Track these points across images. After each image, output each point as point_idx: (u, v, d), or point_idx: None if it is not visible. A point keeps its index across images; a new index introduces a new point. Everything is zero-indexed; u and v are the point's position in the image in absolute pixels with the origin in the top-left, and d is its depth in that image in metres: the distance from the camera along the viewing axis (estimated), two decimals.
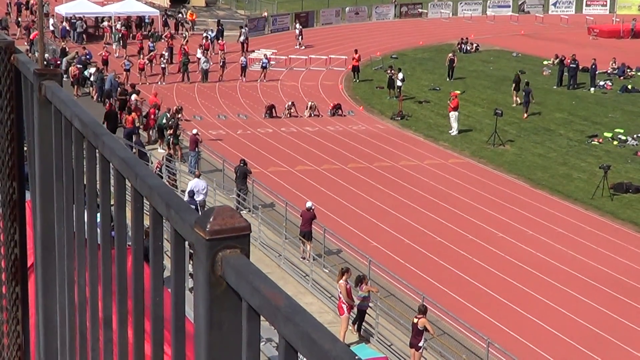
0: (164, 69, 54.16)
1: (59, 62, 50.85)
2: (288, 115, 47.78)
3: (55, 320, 3.29)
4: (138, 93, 45.20)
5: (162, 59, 54.59)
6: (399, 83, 52.48)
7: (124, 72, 51.61)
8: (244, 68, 56.00)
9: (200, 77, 55.00)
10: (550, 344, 24.18)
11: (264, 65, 56.74)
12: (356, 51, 58.55)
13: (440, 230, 32.05)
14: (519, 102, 51.22)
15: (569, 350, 23.98)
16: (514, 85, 52.50)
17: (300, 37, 68.92)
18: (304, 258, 28.79)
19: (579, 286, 27.98)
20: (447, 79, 56.47)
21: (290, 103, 48.68)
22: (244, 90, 53.74)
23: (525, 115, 49.66)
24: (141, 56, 55.22)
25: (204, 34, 62.86)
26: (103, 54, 54.62)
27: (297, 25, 70.78)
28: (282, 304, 1.66)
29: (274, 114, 47.76)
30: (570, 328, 25.17)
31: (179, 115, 40.88)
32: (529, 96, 49.71)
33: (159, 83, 53.07)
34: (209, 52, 58.97)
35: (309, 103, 49.10)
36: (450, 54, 58.47)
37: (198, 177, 32.21)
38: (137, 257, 2.38)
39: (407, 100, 51.89)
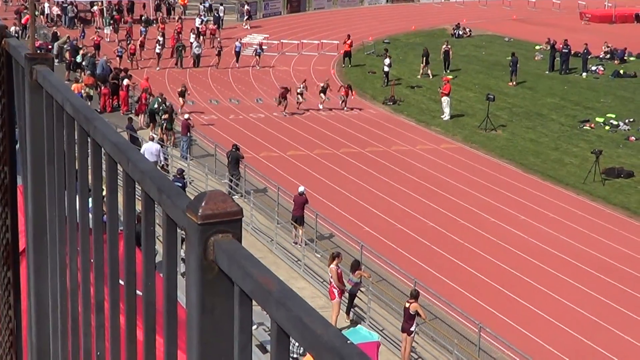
0: (159, 54, 53.86)
1: (50, 47, 50.72)
2: (299, 100, 45.85)
3: (47, 305, 3.29)
4: (130, 77, 45.17)
5: (157, 44, 54.22)
6: (386, 68, 52.43)
7: (117, 58, 51.44)
8: (237, 53, 55.61)
9: (193, 62, 54.84)
10: (542, 329, 24.25)
11: (257, 53, 56.27)
12: (349, 36, 58.49)
13: (432, 215, 32.09)
14: (429, 73, 54.24)
15: (561, 335, 24.05)
16: (423, 58, 55.14)
17: (248, 18, 69.47)
18: (296, 243, 28.82)
19: (570, 271, 28.04)
20: (445, 71, 55.10)
21: (302, 86, 46.29)
22: (236, 75, 53.67)
23: (511, 83, 53.14)
24: (130, 41, 54.97)
25: (197, 19, 62.77)
26: (95, 38, 54.50)
27: (246, 7, 70.75)
28: (274, 289, 1.66)
29: (287, 99, 45.19)
30: (561, 313, 25.24)
31: (185, 97, 41.90)
32: (516, 65, 53.12)
33: (156, 69, 52.89)
34: (201, 37, 58.88)
35: (322, 84, 47.46)
36: (444, 46, 57.24)
37: (151, 140, 33.93)
38: (129, 242, 2.37)
39: (399, 85, 51.89)
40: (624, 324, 24.85)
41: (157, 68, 53.16)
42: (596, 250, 29.77)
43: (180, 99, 42.88)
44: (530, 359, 21.55)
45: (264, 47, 59.40)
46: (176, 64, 54.38)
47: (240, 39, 58.57)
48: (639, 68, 58.07)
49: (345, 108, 46.93)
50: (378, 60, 57.24)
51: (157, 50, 53.73)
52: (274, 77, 53.96)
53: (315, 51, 61.53)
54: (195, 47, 55.22)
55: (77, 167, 2.93)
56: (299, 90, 45.80)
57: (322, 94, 46.64)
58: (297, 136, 41.46)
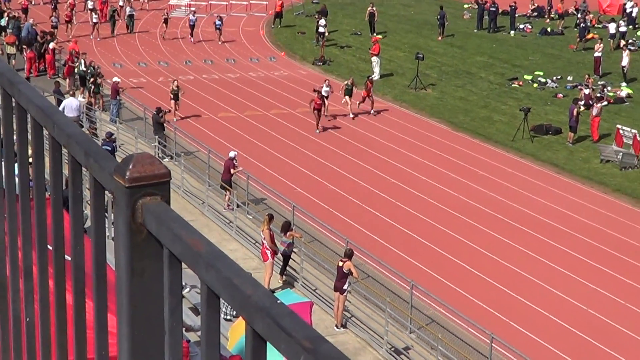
0: (95, 24, 52.51)
1: None
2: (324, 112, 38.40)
3: None
4: (55, 40, 44.53)
5: (92, 13, 52.92)
6: (321, 29, 52.29)
7: (52, 30, 49.99)
8: (192, 27, 53.60)
9: (126, 26, 53.88)
10: (472, 284, 24.53)
11: (217, 26, 54.25)
12: None
13: (362, 175, 32.21)
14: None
15: (490, 289, 24.36)
16: (317, 15, 55.45)
17: None
18: (227, 207, 28.66)
19: (499, 227, 28.38)
20: (370, 34, 53.63)
21: (325, 85, 38.85)
22: (165, 38, 53.11)
23: (440, 37, 54.53)
24: (56, 3, 53.92)
25: None
26: (22, 2, 53.48)
27: None
28: (203, 250, 1.66)
29: (323, 108, 37.64)
30: (490, 268, 25.55)
31: (179, 99, 37.61)
32: (444, 19, 54.52)
33: (98, 39, 51.54)
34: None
35: (346, 83, 40.19)
36: (369, 7, 56.34)
37: (72, 95, 34.62)
38: (56, 207, 2.35)
39: (329, 45, 51.84)
40: (551, 277, 25.23)
41: (98, 38, 51.77)
42: (525, 206, 30.14)
43: (173, 102, 37.28)
44: (461, 315, 21.80)
45: (192, 7, 58.64)
46: (112, 31, 53.07)
47: (195, 13, 56.35)
48: (566, 26, 58.56)
49: (373, 111, 40.35)
50: (308, 21, 57.21)
51: (94, 20, 52.32)
52: (203, 39, 53.51)
53: (244, 12, 61.17)
54: (128, 11, 54.36)
55: (1, 132, 2.89)
56: (323, 93, 38.19)
57: (347, 97, 39.46)
58: (228, 98, 41.27)
